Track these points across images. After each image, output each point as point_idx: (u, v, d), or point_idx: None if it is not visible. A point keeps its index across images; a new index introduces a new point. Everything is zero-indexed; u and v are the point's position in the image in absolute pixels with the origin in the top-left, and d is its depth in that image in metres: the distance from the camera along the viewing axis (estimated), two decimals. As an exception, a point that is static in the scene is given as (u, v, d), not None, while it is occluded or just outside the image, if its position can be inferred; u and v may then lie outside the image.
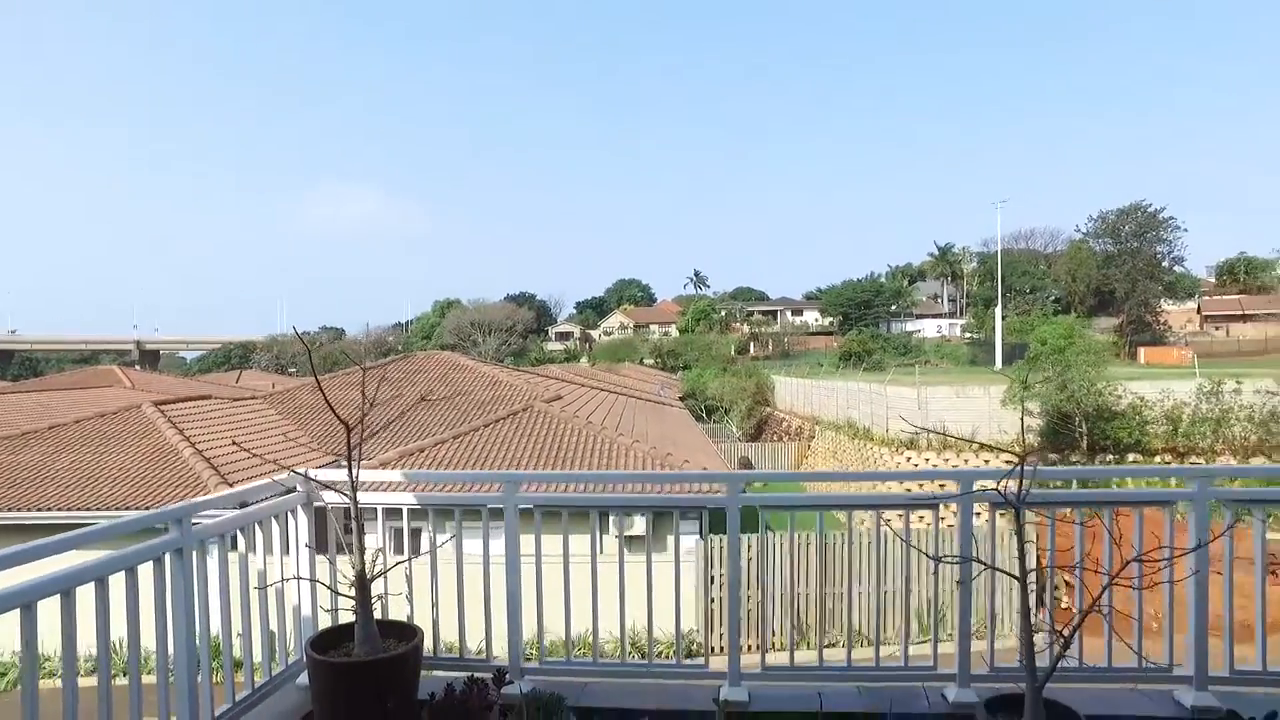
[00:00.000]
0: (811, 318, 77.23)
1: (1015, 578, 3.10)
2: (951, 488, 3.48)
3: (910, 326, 72.07)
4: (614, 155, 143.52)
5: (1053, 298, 70.72)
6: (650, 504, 3.97)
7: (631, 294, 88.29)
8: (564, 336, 76.29)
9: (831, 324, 72.48)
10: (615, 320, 78.98)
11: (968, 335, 68.07)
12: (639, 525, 7.17)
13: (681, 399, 33.29)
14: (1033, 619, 3.12)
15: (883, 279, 77.21)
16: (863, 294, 72.15)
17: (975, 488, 3.44)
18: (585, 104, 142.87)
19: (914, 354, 60.51)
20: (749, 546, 9.88)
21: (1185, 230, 67.49)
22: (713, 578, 10.83)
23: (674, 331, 71.72)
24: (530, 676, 3.66)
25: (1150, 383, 20.60)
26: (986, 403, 20.36)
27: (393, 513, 3.88)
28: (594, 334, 76.53)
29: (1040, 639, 3.01)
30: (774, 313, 78.93)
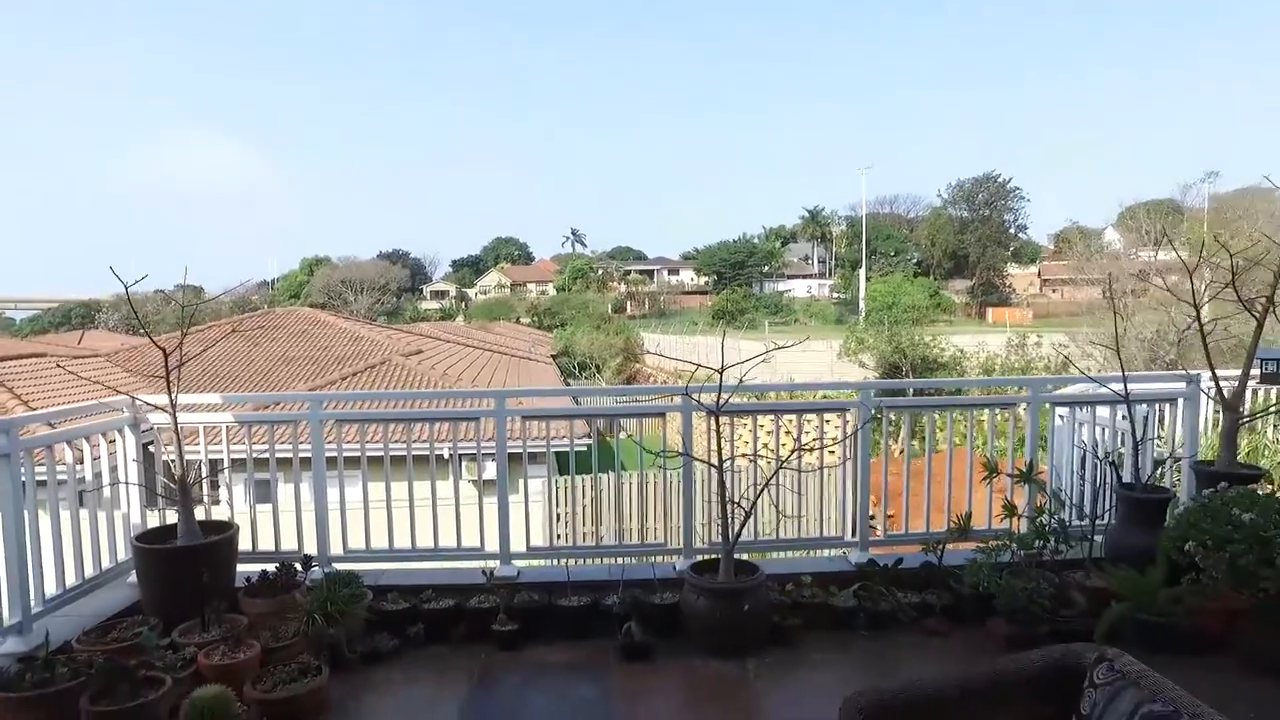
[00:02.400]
0: (687, 277, 79.16)
1: (713, 466, 4.05)
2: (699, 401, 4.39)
3: (782, 286, 74.98)
4: (498, 116, 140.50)
5: (914, 260, 74.98)
6: (435, 416, 4.68)
7: (509, 252, 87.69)
8: (440, 295, 75.25)
9: (707, 283, 74.54)
10: (492, 279, 78.43)
11: (835, 295, 71.60)
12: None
13: (554, 357, 34.01)
14: (728, 499, 4.07)
15: (756, 240, 79.76)
16: (737, 254, 74.40)
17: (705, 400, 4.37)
18: (465, 67, 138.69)
19: (785, 313, 63.37)
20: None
21: (1029, 200, 72.90)
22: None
23: (551, 290, 72.03)
24: (336, 564, 4.37)
25: (970, 336, 22.88)
26: (829, 356, 22.14)
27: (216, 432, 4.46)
28: (470, 293, 75.80)
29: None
30: (651, 272, 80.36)
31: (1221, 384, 4.53)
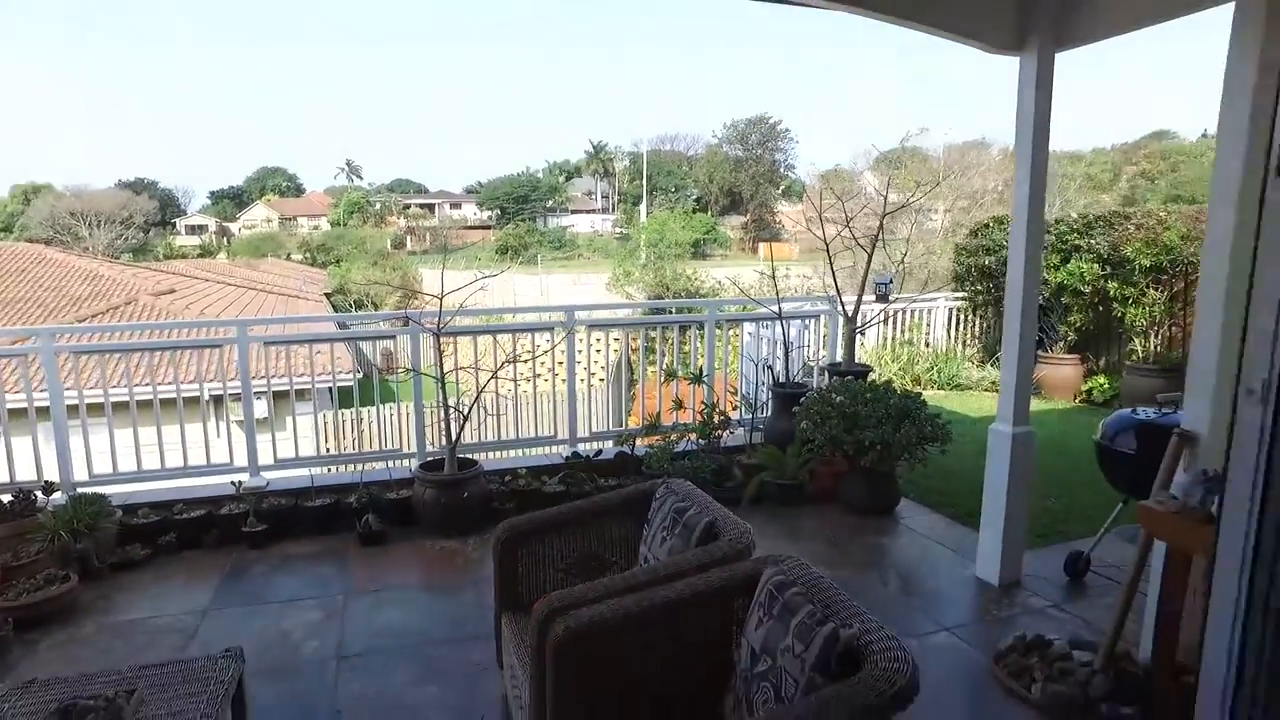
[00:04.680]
0: (470, 211, 77.65)
1: (435, 379, 4.73)
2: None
3: (566, 221, 75.62)
4: (259, 36, 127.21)
5: (694, 197, 78.10)
6: (177, 345, 4.99)
7: (277, 184, 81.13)
8: (198, 230, 68.55)
9: (490, 218, 73.60)
10: (259, 212, 72.44)
11: (619, 230, 73.38)
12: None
13: (328, 295, 32.73)
14: (454, 408, 4.78)
15: (540, 175, 79.53)
16: (520, 189, 73.95)
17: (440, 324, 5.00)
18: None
19: (568, 247, 64.32)
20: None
21: (798, 141, 78.09)
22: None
23: (325, 225, 67.98)
24: (82, 488, 4.62)
25: (727, 269, 24.94)
26: (600, 287, 23.34)
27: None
28: (233, 227, 69.66)
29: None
30: (432, 206, 77.95)
31: (847, 304, 5.86)
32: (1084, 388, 8.56)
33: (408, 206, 74.63)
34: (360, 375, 6.19)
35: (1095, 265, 8.42)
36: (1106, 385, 8.37)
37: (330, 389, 5.46)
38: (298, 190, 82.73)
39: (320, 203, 75.96)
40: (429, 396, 5.07)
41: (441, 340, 4.72)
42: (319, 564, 4.32)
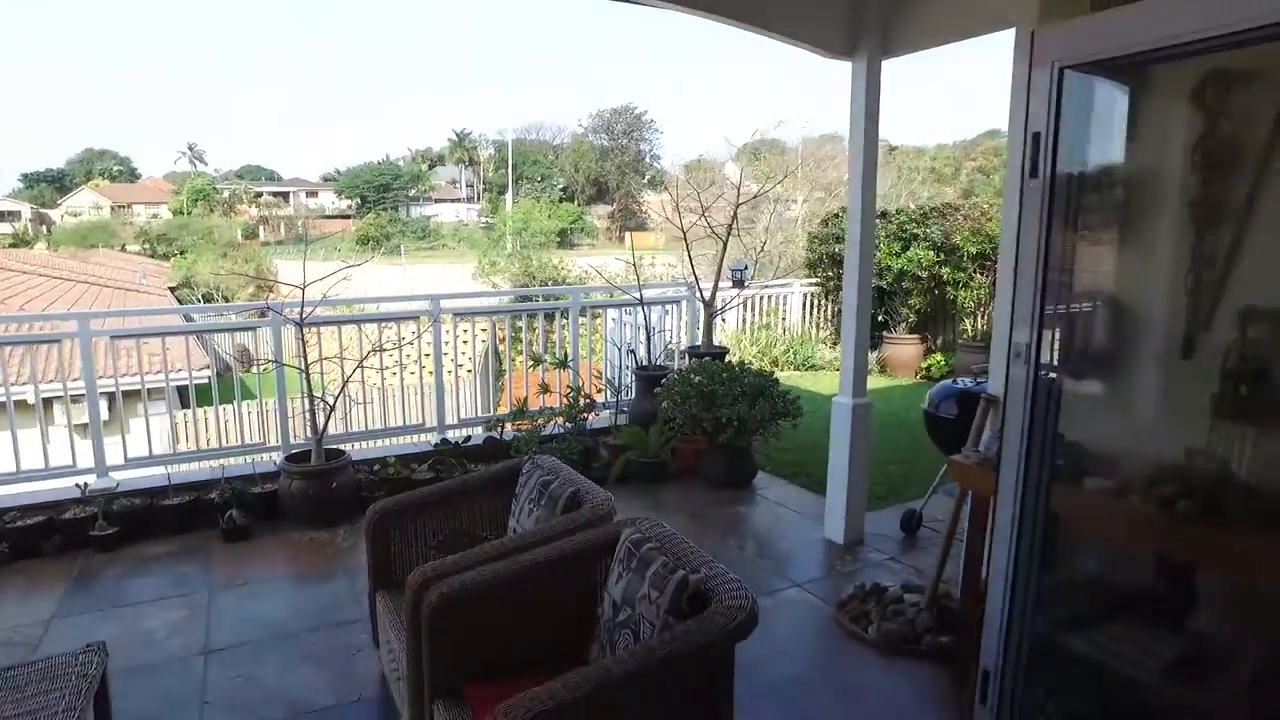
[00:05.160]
0: (328, 200, 74.36)
1: (299, 370, 4.67)
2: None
3: (429, 211, 73.72)
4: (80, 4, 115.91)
5: (560, 186, 77.85)
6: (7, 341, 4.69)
7: (106, 168, 74.68)
8: (8, 216, 62.11)
9: (350, 207, 70.76)
10: (85, 198, 66.42)
11: (484, 220, 72.18)
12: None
13: (172, 289, 30.60)
14: (318, 400, 4.73)
15: (401, 163, 77.08)
16: (381, 177, 71.44)
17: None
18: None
19: (432, 237, 62.76)
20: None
21: (662, 132, 79.20)
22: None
23: (166, 213, 63.24)
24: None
25: (594, 258, 25.16)
26: (466, 278, 23.06)
27: None
28: (54, 215, 63.58)
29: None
30: (287, 194, 74.11)
31: (705, 291, 6.18)
32: (924, 365, 9.33)
33: (259, 195, 70.56)
34: (216, 372, 5.96)
35: (931, 252, 9.17)
36: (943, 362, 9.16)
37: (186, 386, 5.27)
38: (132, 175, 76.45)
39: (159, 189, 70.49)
40: (293, 389, 4.99)
41: (305, 331, 4.66)
42: (180, 563, 4.21)
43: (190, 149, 75.54)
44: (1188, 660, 2.47)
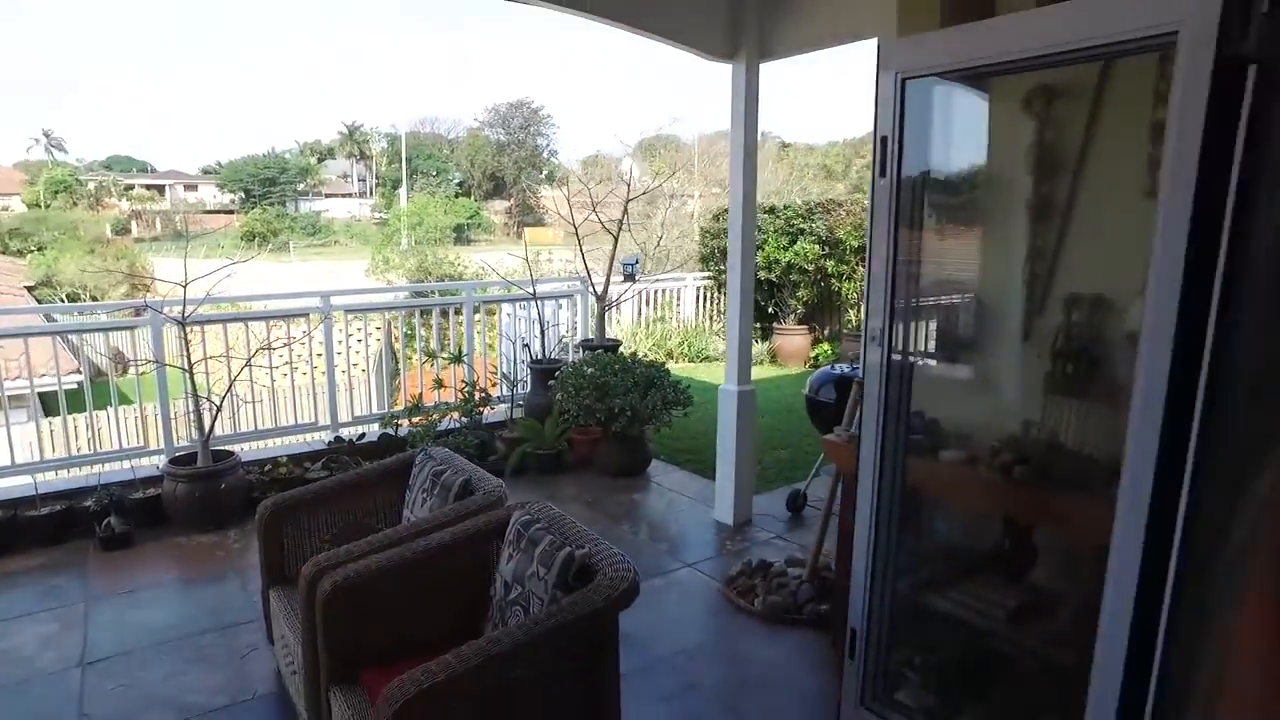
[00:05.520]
0: (209, 194, 70.59)
1: (182, 370, 4.54)
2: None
3: (319, 206, 71.06)
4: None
5: (456, 181, 76.37)
6: None
7: (-52, 156, 68.33)
8: None
9: (233, 202, 67.40)
10: (-76, 190, 60.74)
11: (378, 215, 70.12)
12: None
13: (31, 288, 28.45)
14: (203, 398, 4.61)
15: (289, 156, 73.94)
16: (267, 170, 68.33)
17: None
18: None
19: (324, 234, 60.53)
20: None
21: (559, 127, 78.68)
22: None
23: (19, 206, 58.57)
24: None
25: (491, 254, 24.94)
26: (359, 274, 22.45)
27: None
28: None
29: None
30: (162, 187, 69.95)
31: (597, 285, 6.31)
32: (812, 354, 9.75)
33: (130, 187, 66.25)
34: (89, 376, 5.67)
35: (816, 246, 9.59)
36: (830, 351, 9.60)
37: (55, 393, 5.01)
38: (-23, 164, 70.26)
39: (9, 179, 65.10)
40: (176, 391, 4.83)
41: (188, 330, 4.52)
42: (51, 575, 4.02)
43: (46, 136, 70.02)
44: (1026, 608, 2.76)
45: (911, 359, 2.79)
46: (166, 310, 4.65)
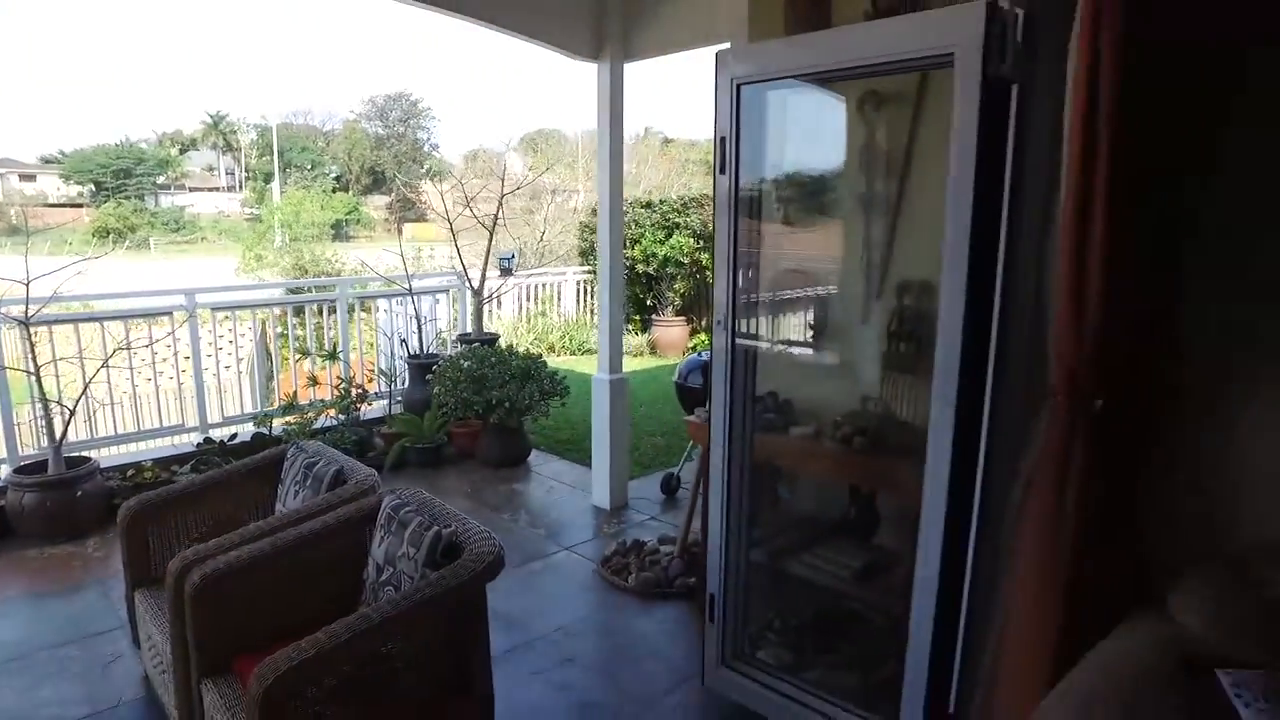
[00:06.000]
0: (51, 186, 65.14)
1: (28, 373, 4.32)
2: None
3: (183, 200, 66.88)
4: None
5: (334, 175, 73.48)
6: None
7: None
8: None
9: (82, 194, 62.51)
10: None
11: (249, 211, 66.67)
12: None
13: None
14: (51, 401, 4.40)
15: (145, 146, 69.18)
16: (119, 161, 63.66)
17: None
18: None
19: (189, 230, 57.04)
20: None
21: (439, 120, 76.87)
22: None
23: None
24: None
25: (372, 250, 24.27)
26: (229, 273, 21.41)
27: None
28: None
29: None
30: (-4, 179, 64.00)
31: (475, 280, 6.36)
32: (691, 344, 10.06)
33: (-47, 178, 60.34)
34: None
35: (691, 240, 9.90)
36: (707, 341, 9.93)
37: None
38: None
39: None
40: (21, 396, 4.59)
41: (32, 331, 4.31)
42: (-118, 595, 3.77)
43: None
44: (869, 567, 3.06)
45: (762, 344, 3.04)
46: (5, 310, 4.40)
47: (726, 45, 4.00)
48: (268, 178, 65.32)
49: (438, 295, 6.61)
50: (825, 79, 2.43)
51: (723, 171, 2.50)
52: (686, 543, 4.04)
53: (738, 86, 2.42)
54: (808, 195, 3.39)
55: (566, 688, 3.06)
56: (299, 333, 6.49)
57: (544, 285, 10.40)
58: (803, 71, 2.34)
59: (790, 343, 3.47)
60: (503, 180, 6.63)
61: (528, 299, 10.16)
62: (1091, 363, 1.93)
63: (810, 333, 3.52)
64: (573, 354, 9.87)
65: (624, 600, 3.77)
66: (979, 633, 2.32)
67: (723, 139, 2.48)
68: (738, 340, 2.67)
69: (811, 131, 3.35)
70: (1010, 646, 2.19)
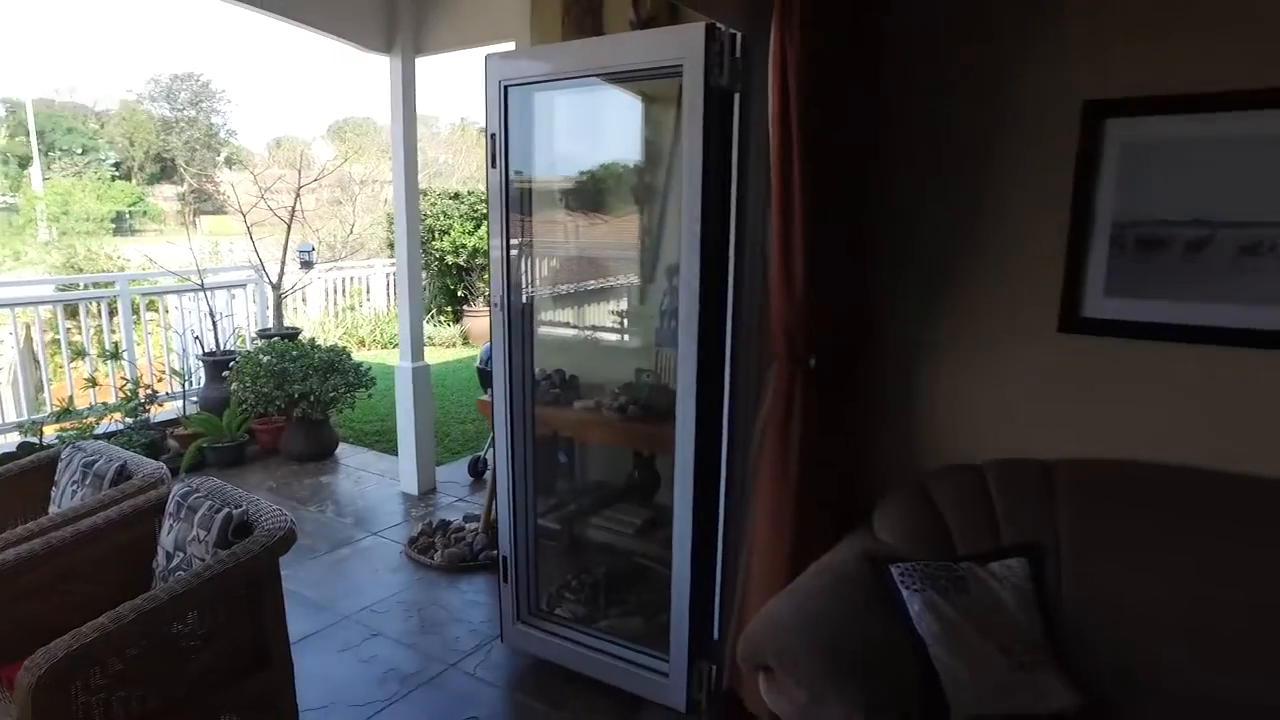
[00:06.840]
0: None
1: None
2: None
3: (-84, 189, 57.99)
4: None
5: (112, 162, 66.30)
6: None
7: None
8: None
9: None
10: None
11: (4, 200, 58.92)
12: None
13: None
14: None
15: None
16: None
17: None
18: None
19: (-73, 223, 49.65)
20: None
21: (235, 104, 71.24)
22: None
23: None
24: None
25: (162, 245, 22.37)
26: (-14, 273, 19.03)
27: None
28: None
29: None
30: None
31: (273, 274, 6.20)
32: (504, 334, 10.20)
33: None
34: None
35: (502, 231, 10.03)
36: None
37: None
38: None
39: None
40: None
41: None
42: None
43: None
44: (649, 523, 3.41)
45: (542, 326, 3.32)
46: None
47: (512, 45, 4.25)
48: (23, 162, 58.07)
49: (234, 290, 6.37)
50: (582, 81, 2.71)
51: (494, 166, 2.72)
52: (491, 518, 4.25)
53: (505, 88, 2.66)
54: (588, 188, 3.69)
55: (373, 659, 3.20)
56: (75, 337, 6.04)
57: (352, 279, 10.17)
58: (562, 75, 2.60)
59: (576, 326, 3.77)
60: (300, 171, 6.48)
61: (337, 293, 9.90)
62: (802, 328, 2.34)
63: (592, 314, 3.84)
64: (384, 347, 9.74)
65: (431, 577, 3.93)
66: (734, 566, 2.71)
67: (493, 135, 2.70)
68: (527, 324, 2.92)
69: (589, 129, 3.66)
70: (755, 569, 2.60)
